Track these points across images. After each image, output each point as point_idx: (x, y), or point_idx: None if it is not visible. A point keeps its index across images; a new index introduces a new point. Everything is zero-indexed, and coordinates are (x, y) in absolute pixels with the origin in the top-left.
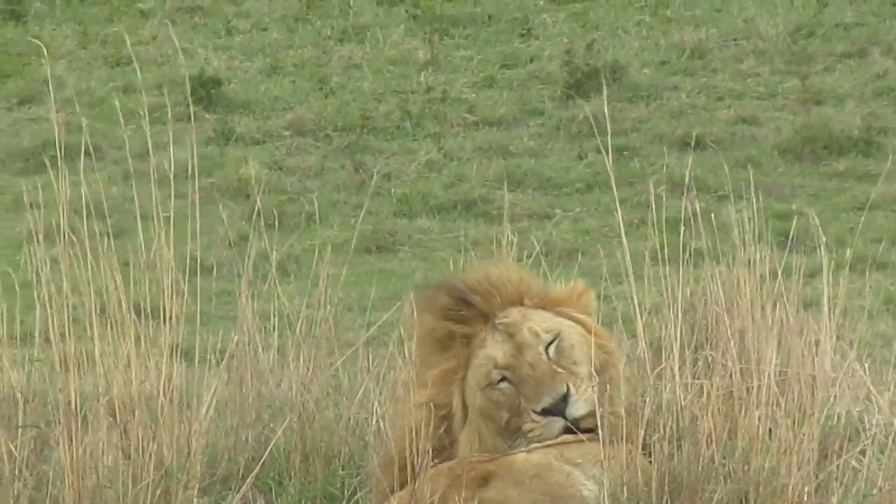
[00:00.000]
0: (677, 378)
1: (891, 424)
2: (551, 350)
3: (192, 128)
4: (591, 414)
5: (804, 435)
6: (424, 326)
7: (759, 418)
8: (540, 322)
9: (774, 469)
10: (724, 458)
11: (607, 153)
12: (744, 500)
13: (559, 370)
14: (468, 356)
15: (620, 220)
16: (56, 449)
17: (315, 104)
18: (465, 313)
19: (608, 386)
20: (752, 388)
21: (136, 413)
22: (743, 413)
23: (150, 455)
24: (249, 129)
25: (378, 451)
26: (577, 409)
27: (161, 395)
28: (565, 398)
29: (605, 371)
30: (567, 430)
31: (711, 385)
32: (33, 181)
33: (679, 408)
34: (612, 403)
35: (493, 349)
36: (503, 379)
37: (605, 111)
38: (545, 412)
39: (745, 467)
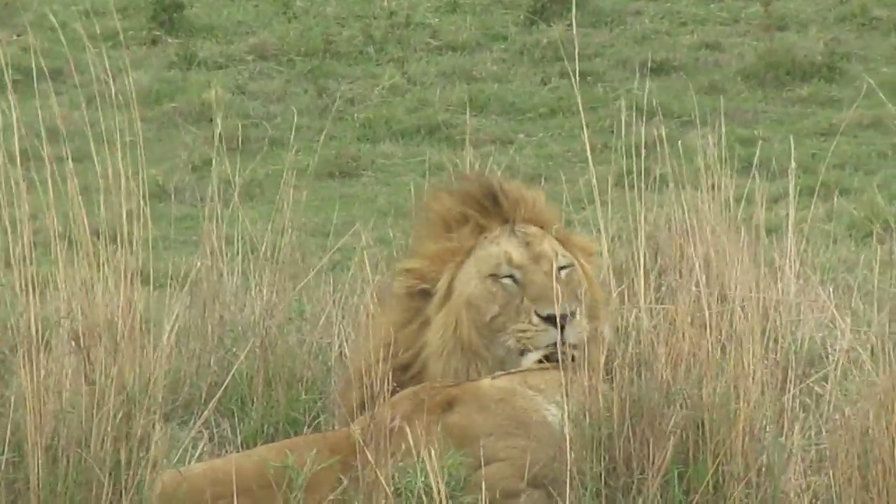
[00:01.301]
0: (642, 302)
1: (853, 350)
2: (563, 274)
3: (144, 51)
4: (575, 347)
5: (764, 360)
6: (439, 205)
7: (713, 344)
8: (558, 247)
9: (726, 395)
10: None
11: (575, 77)
12: (700, 425)
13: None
14: (473, 245)
15: (587, 144)
16: (17, 374)
17: (278, 28)
18: (487, 206)
19: (596, 331)
20: (714, 313)
21: (100, 338)
22: (705, 339)
23: (112, 380)
24: (212, 54)
25: (340, 375)
26: (573, 334)
27: (122, 320)
28: (569, 318)
29: (595, 319)
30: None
31: (675, 311)
32: None
33: (641, 333)
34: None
35: (510, 247)
36: (510, 276)
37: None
38: (549, 318)
39: (699, 392)
